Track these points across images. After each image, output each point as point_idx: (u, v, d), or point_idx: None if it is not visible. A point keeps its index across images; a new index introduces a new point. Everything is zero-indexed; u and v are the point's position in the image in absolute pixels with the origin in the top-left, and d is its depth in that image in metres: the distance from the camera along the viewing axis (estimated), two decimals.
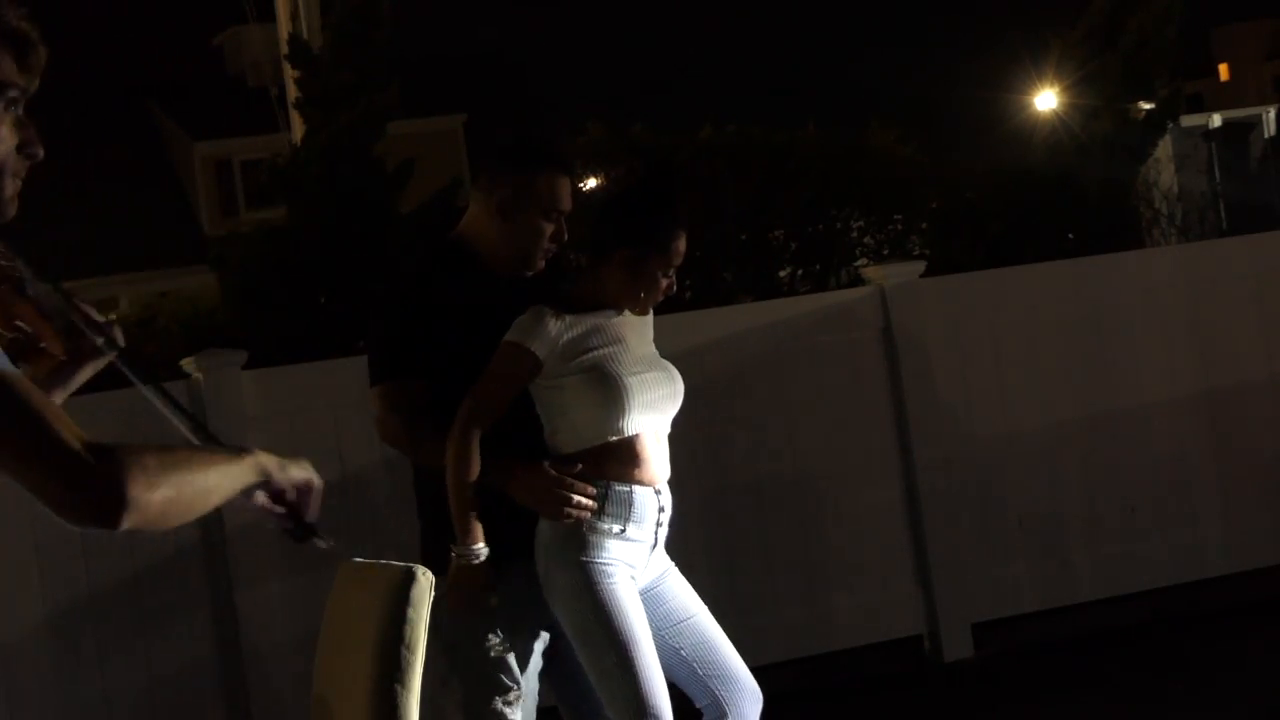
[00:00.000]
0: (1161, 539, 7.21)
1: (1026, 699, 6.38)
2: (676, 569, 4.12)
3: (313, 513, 2.36)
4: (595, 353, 3.96)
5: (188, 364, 6.31)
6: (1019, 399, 7.10)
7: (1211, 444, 7.33)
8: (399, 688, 2.96)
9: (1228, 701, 6.02)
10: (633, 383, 3.96)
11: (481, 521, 3.96)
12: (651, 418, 4.00)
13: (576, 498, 3.90)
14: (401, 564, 3.09)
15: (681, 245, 4.04)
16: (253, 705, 6.15)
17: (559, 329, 3.95)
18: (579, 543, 3.92)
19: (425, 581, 3.03)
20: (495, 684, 3.98)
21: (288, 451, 2.40)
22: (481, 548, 3.91)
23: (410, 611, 2.99)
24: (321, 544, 2.35)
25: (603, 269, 4.01)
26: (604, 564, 3.91)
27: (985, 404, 7.05)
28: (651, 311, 4.18)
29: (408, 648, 2.98)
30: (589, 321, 3.99)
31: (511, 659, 3.99)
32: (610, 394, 3.93)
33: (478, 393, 3.94)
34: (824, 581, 6.80)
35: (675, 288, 4.05)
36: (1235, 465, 7.34)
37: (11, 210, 2.19)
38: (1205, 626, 6.94)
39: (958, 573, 6.88)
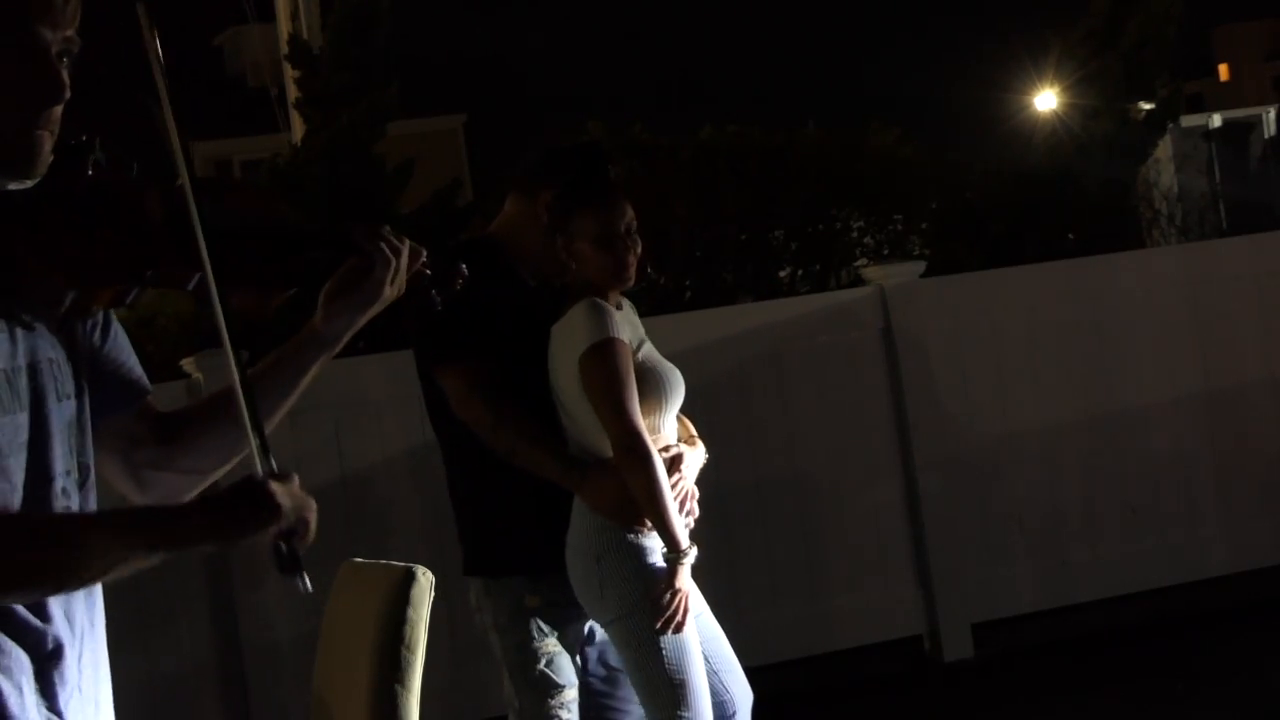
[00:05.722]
0: (1161, 539, 7.21)
1: (1026, 699, 6.38)
2: None
3: (306, 540, 2.09)
4: (643, 348, 3.88)
5: (188, 364, 6.29)
6: (1019, 399, 7.10)
7: (1211, 444, 7.32)
8: (399, 688, 2.96)
9: (1228, 702, 6.01)
10: (673, 378, 3.90)
11: (522, 528, 3.93)
12: (675, 412, 3.97)
13: None
14: (401, 564, 3.09)
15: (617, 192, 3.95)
16: (252, 705, 6.15)
17: (619, 317, 3.85)
18: (633, 549, 3.82)
19: (425, 581, 3.03)
20: (547, 687, 3.98)
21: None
22: (693, 548, 3.80)
23: (410, 611, 2.99)
24: (300, 586, 2.07)
25: (573, 245, 3.88)
26: (661, 567, 3.81)
27: (985, 404, 7.05)
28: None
29: (408, 648, 2.97)
30: (622, 315, 3.90)
31: (561, 660, 3.98)
32: (660, 388, 3.85)
33: (621, 402, 3.76)
34: (824, 581, 6.80)
35: (638, 250, 3.90)
36: (1235, 465, 7.33)
37: (43, 169, 2.07)
38: (1205, 627, 6.94)
39: (958, 573, 6.88)
